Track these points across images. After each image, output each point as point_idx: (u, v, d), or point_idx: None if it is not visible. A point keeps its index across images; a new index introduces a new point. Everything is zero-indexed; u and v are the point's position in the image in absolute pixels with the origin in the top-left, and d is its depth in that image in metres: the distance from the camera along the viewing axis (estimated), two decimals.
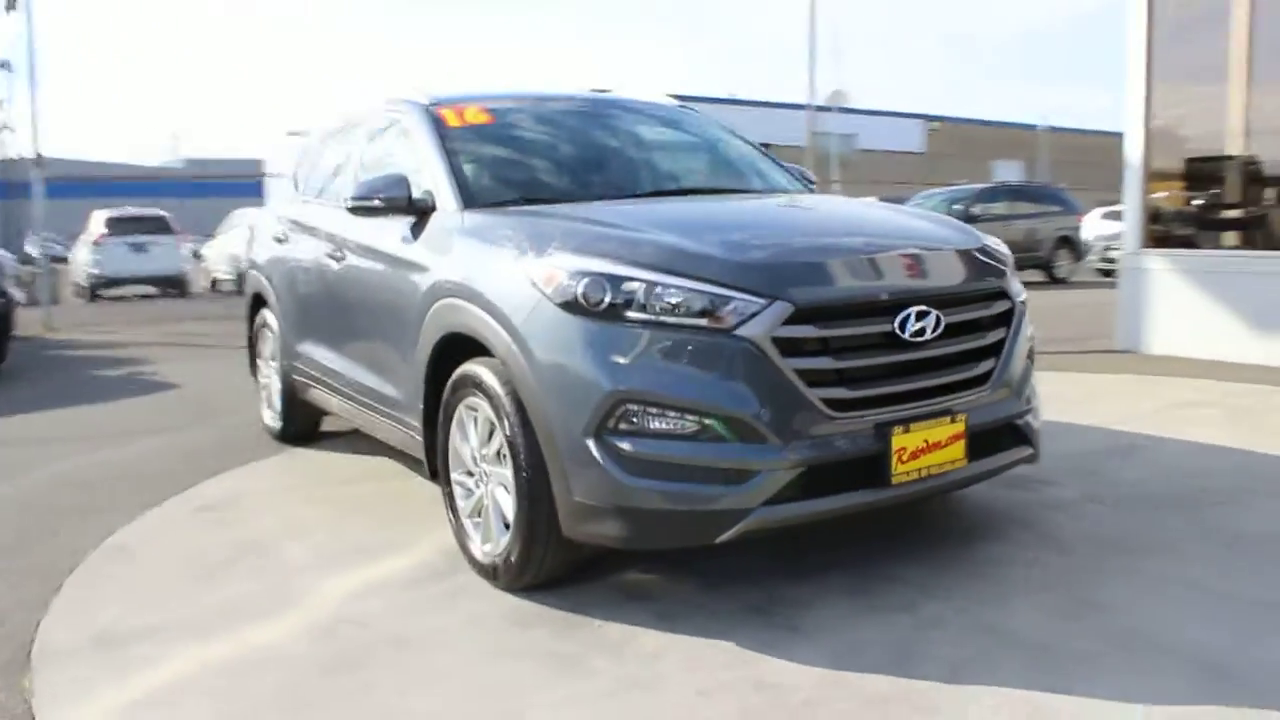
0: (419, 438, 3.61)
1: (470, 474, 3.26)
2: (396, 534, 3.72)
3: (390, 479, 4.53)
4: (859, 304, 2.84)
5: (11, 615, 3.12)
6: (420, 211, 3.61)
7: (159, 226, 18.03)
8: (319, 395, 4.78)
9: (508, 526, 3.05)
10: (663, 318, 2.71)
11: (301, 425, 5.28)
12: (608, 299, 2.75)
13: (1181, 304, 7.20)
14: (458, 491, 3.34)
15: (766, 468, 2.66)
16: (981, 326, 3.08)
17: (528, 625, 2.88)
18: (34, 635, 2.97)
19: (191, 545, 3.74)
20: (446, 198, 3.57)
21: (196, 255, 20.59)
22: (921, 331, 2.87)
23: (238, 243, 15.44)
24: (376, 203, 3.63)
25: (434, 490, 3.73)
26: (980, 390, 3.02)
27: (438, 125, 3.89)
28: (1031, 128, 47.81)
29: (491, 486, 3.13)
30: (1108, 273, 15.54)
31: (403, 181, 3.63)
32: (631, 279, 2.75)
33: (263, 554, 3.60)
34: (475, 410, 3.15)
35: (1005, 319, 3.15)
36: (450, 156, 3.71)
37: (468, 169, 3.70)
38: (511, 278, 2.98)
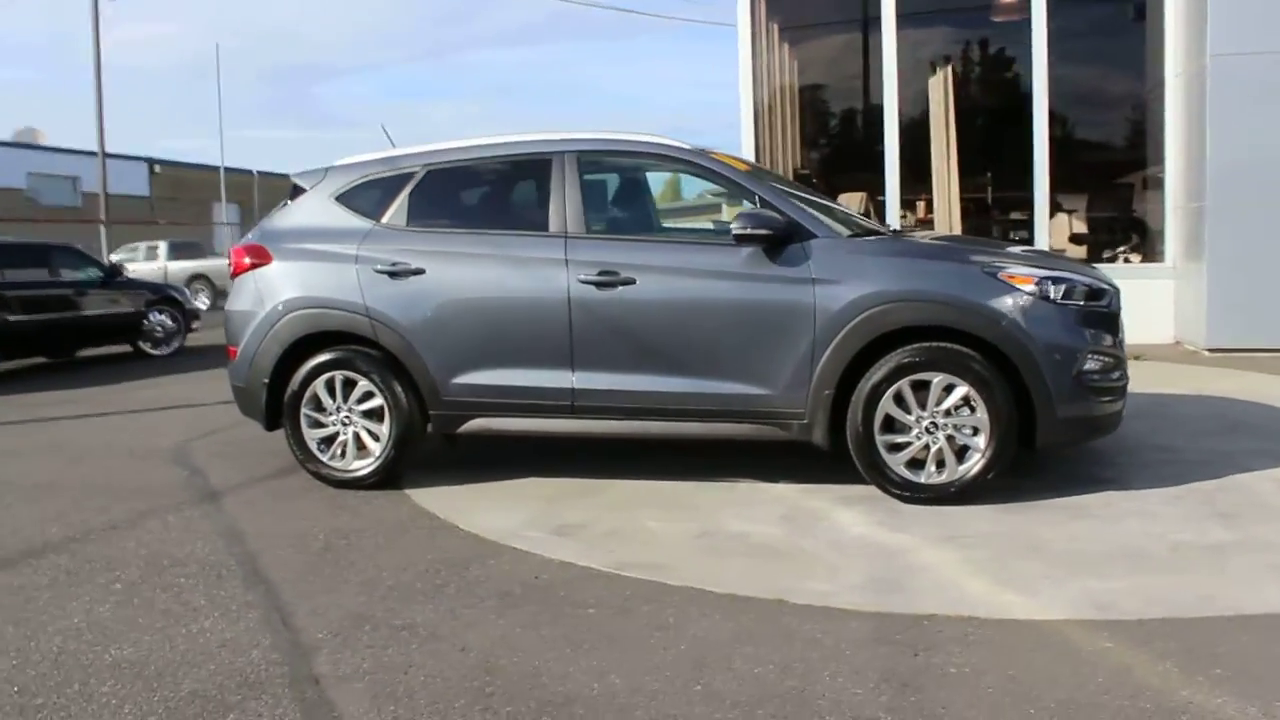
0: (800, 420, 4.55)
1: (908, 430, 4.45)
2: (770, 509, 4.55)
3: (606, 489, 4.97)
4: None
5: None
6: (787, 239, 4.53)
7: None
8: (504, 421, 4.91)
9: (959, 457, 4.41)
10: (1082, 302, 4.47)
11: (404, 466, 5.09)
12: (1063, 292, 4.40)
13: None
14: (884, 448, 4.47)
15: (1126, 384, 4.63)
16: None
17: (1020, 510, 4.32)
18: None
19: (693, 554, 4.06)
20: (827, 228, 4.59)
21: None
22: None
23: None
24: (765, 233, 4.46)
25: (693, 485, 4.71)
26: None
27: (739, 170, 4.77)
28: (248, 173, 49.08)
29: (944, 434, 4.41)
30: None
31: (779, 216, 4.52)
32: (1071, 281, 4.46)
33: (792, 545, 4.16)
34: (927, 382, 4.39)
35: None
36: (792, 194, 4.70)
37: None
38: (990, 284, 4.37)
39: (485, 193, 5.18)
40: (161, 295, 11.94)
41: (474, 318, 4.88)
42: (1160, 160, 9.43)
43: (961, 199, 10.16)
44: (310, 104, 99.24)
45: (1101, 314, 4.54)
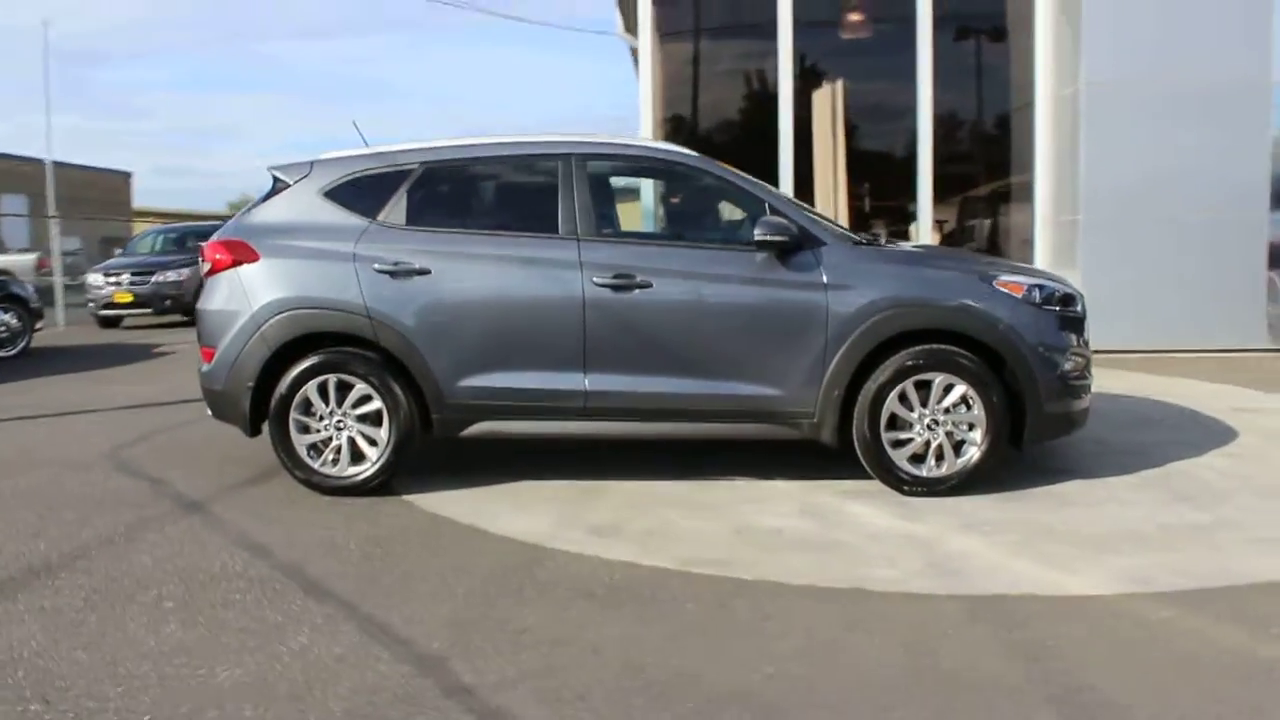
0: (810, 420, 4.76)
1: (909, 428, 4.74)
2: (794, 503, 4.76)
3: (608, 491, 5.03)
4: None
5: None
6: (798, 246, 4.73)
7: None
8: (511, 425, 4.88)
9: (959, 451, 4.74)
10: (1059, 307, 4.90)
11: (400, 468, 4.97)
12: (1046, 298, 4.81)
13: None
14: (889, 444, 4.74)
15: (1092, 382, 5.10)
16: None
17: (1014, 499, 4.70)
18: None
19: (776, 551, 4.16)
20: (833, 235, 4.82)
21: None
22: None
23: None
24: (783, 239, 4.64)
25: (691, 484, 4.94)
26: None
27: (748, 179, 4.92)
28: (38, 161, 44.86)
29: (944, 430, 4.73)
30: (111, 321, 15.29)
31: (791, 223, 4.71)
32: (1050, 289, 4.87)
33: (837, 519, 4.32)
34: (928, 382, 4.69)
35: None
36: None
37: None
38: (987, 290, 4.72)
39: (489, 193, 5.12)
40: (4, 292, 10.88)
41: (484, 320, 4.82)
42: (1024, 174, 10.30)
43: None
44: (90, 91, 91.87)
45: (1075, 318, 4.98)
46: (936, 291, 4.77)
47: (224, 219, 27.57)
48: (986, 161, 11.05)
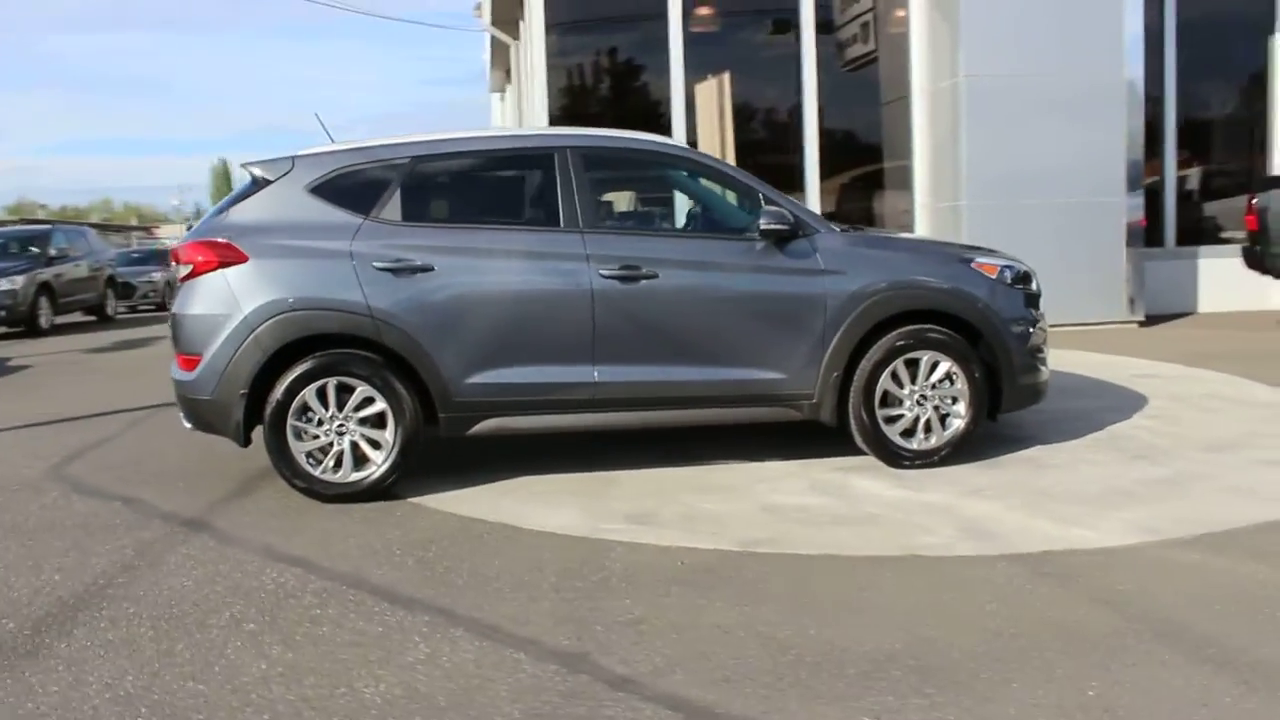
0: (810, 401, 4.98)
1: (900, 404, 5.01)
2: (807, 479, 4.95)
3: (616, 481, 5.08)
4: None
5: None
6: (794, 235, 4.91)
7: None
8: (518, 421, 4.85)
9: (944, 424, 5.07)
10: (1022, 285, 5.29)
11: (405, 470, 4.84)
12: (1015, 277, 5.19)
13: None
14: (883, 419, 5.01)
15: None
16: None
17: (996, 466, 5.07)
18: None
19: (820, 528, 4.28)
20: (823, 224, 5.03)
21: None
22: None
23: None
24: (784, 228, 4.81)
25: (692, 470, 5.12)
26: None
27: (740, 169, 5.05)
28: None
29: (932, 404, 5.04)
30: None
31: (788, 212, 4.88)
32: (1016, 268, 5.25)
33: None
34: (916, 360, 4.98)
35: None
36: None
37: None
38: (968, 273, 5.05)
39: (484, 187, 5.03)
40: None
41: (491, 315, 4.75)
42: (899, 161, 10.93)
43: None
44: None
45: (1034, 295, 5.41)
46: (924, 274, 5.07)
47: (32, 224, 25.02)
48: (863, 150, 11.61)
